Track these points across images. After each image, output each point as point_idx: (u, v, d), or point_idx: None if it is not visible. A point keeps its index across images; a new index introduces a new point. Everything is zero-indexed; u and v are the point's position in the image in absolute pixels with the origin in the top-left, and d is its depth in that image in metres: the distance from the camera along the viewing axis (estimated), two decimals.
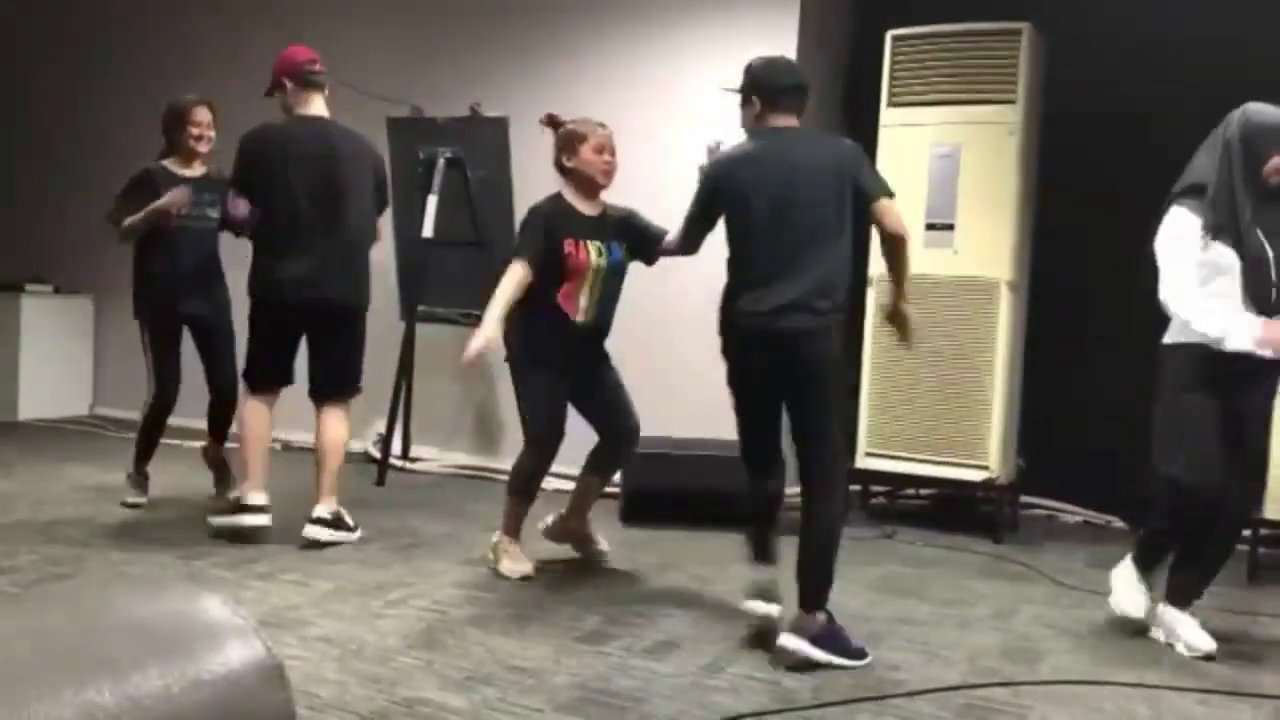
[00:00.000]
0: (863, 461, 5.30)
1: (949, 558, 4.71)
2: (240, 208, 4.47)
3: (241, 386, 4.56)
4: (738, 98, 3.59)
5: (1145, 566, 3.70)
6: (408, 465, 6.23)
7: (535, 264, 3.93)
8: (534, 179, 6.04)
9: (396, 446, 6.15)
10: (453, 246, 5.93)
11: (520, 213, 6.02)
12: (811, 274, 3.30)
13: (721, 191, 3.49)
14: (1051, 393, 5.41)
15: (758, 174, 3.40)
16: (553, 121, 4.21)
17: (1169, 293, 3.39)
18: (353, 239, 4.45)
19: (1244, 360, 3.30)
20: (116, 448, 6.41)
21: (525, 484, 4.14)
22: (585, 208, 4.08)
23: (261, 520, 4.36)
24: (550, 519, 4.37)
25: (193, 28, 7.32)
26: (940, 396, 5.11)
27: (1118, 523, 5.49)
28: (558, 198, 4.09)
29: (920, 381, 5.14)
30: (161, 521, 4.70)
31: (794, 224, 3.33)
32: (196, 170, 4.86)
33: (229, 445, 5.03)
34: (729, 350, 3.48)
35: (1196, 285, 3.36)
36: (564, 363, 4.06)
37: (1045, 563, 4.64)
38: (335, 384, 4.50)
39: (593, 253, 4.01)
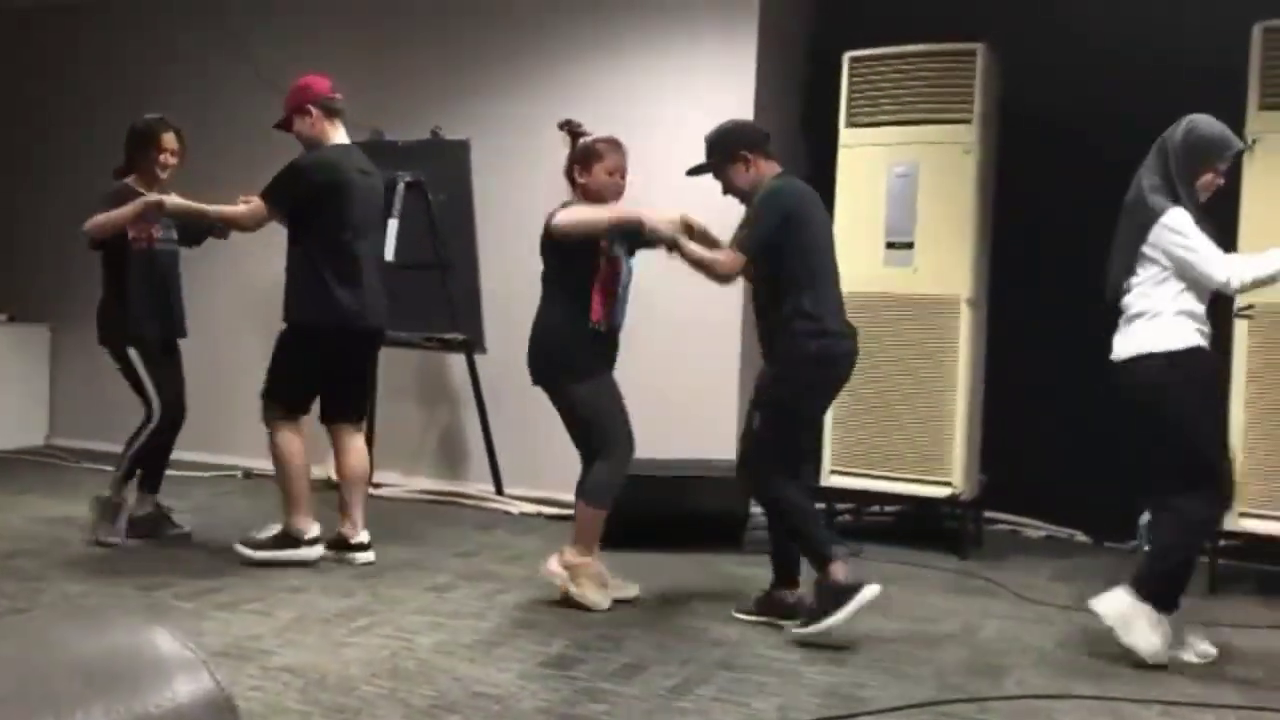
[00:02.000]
0: (827, 479, 5.31)
1: (914, 574, 4.73)
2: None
3: (269, 418, 4.48)
4: (702, 173, 3.94)
5: (1169, 604, 3.54)
6: (371, 491, 6.16)
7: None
8: (495, 202, 6.05)
9: None
10: (414, 270, 5.91)
11: (484, 235, 6.07)
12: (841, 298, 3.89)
13: (793, 221, 3.75)
14: (1013, 408, 5.45)
15: (817, 211, 3.87)
16: (572, 130, 4.13)
17: (1230, 270, 3.38)
18: (382, 266, 4.69)
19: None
20: (73, 478, 6.32)
21: (612, 494, 4.01)
22: None
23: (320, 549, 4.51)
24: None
25: (154, 55, 7.26)
26: (903, 414, 5.14)
27: (1080, 536, 5.53)
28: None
29: (883, 399, 5.17)
30: (120, 552, 4.63)
31: (834, 258, 3.89)
32: (154, 195, 4.78)
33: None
34: (825, 373, 3.84)
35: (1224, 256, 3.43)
36: (607, 367, 4.08)
37: (1009, 578, 4.67)
38: (360, 408, 4.73)
39: (622, 258, 4.06)
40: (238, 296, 6.66)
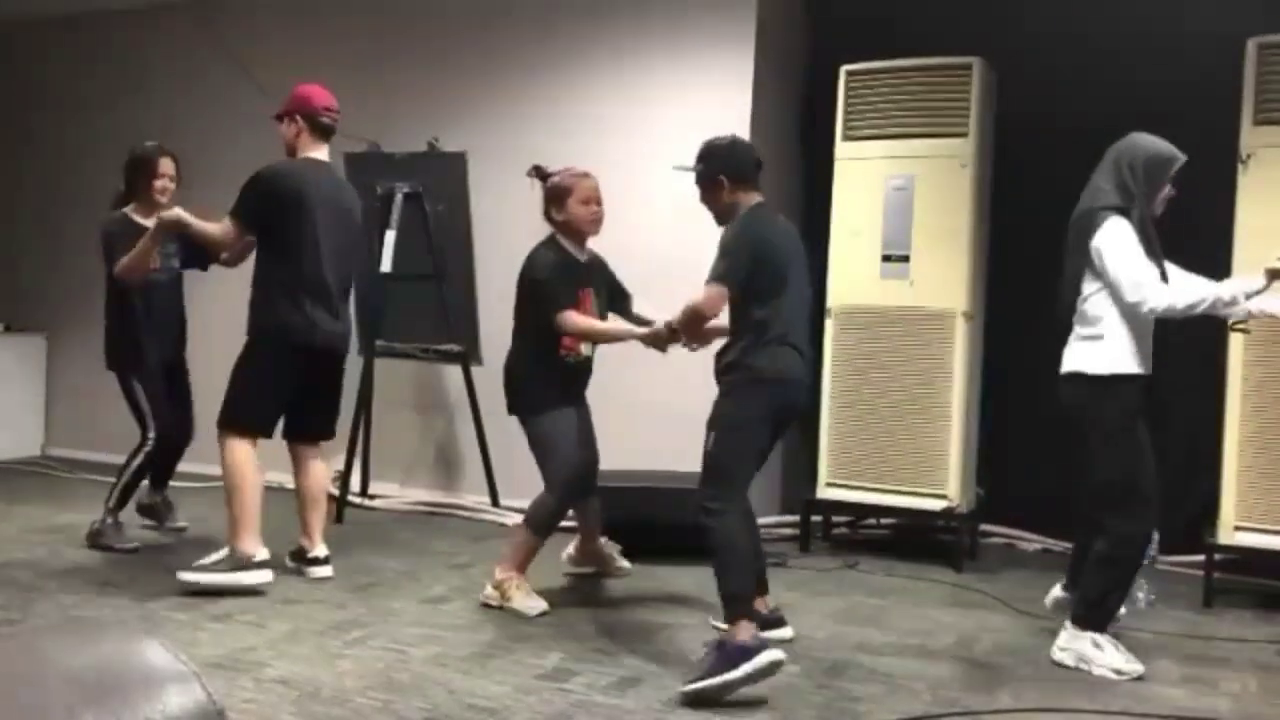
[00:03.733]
0: (824, 492, 5.31)
1: (910, 587, 4.73)
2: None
3: (224, 433, 4.35)
4: (685, 172, 3.86)
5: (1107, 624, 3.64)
6: (366, 502, 6.16)
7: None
8: (492, 213, 6.06)
9: (355, 483, 6.09)
10: (411, 281, 5.91)
11: (480, 246, 6.08)
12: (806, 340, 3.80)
13: (767, 260, 3.68)
14: (1008, 421, 5.45)
15: (790, 247, 3.79)
16: (540, 174, 4.25)
17: (1144, 293, 3.43)
18: (348, 286, 4.59)
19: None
20: (69, 489, 6.31)
21: (550, 523, 4.17)
22: (578, 254, 4.20)
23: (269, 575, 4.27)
24: (570, 549, 4.66)
25: (148, 68, 7.28)
26: (899, 427, 5.14)
27: None
28: (558, 246, 4.16)
29: (879, 412, 5.17)
30: (115, 563, 4.62)
31: (804, 297, 3.83)
32: (153, 221, 4.76)
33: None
34: (772, 404, 3.71)
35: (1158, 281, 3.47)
36: (575, 401, 4.22)
37: (1005, 591, 4.66)
38: (328, 427, 4.62)
39: (594, 300, 4.18)
40: (227, 309, 6.65)
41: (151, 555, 4.76)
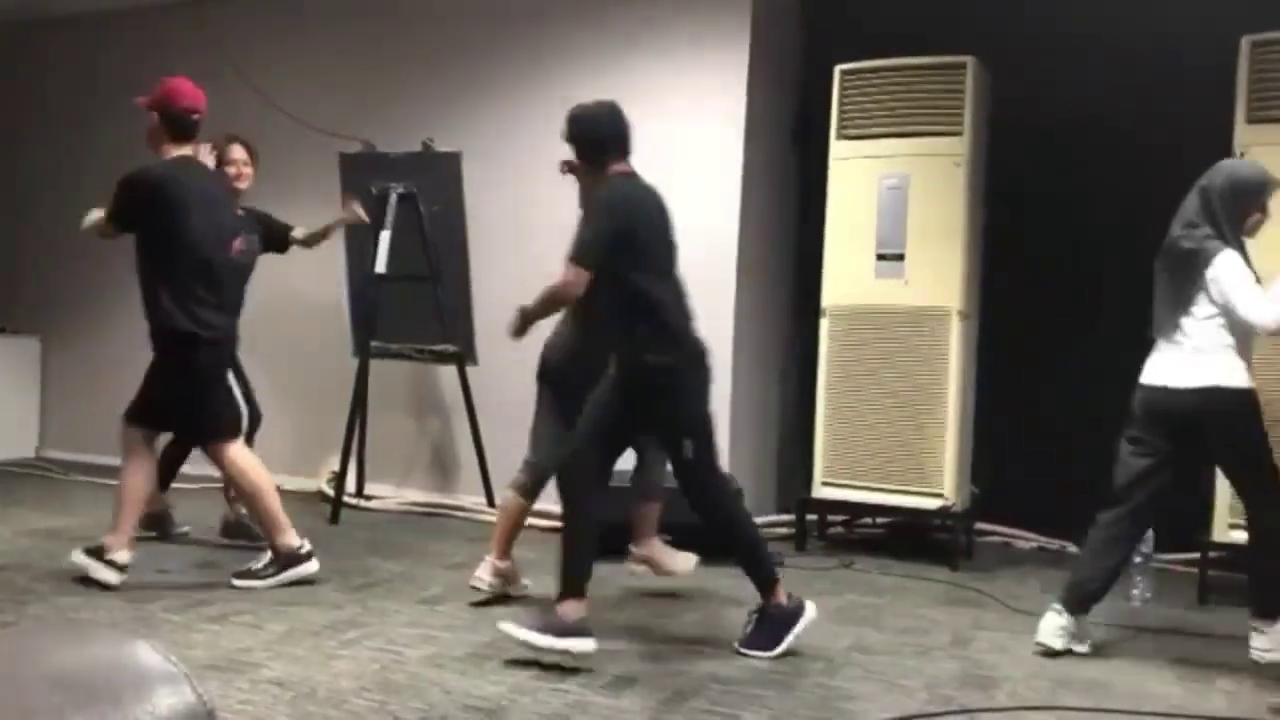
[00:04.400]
0: (819, 491, 5.32)
1: (906, 586, 4.73)
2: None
3: (216, 448, 4.33)
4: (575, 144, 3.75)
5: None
6: (362, 503, 6.16)
7: None
8: (487, 214, 6.06)
9: (351, 484, 6.09)
10: (406, 281, 5.91)
11: (476, 246, 6.08)
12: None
13: (639, 231, 3.56)
14: (1004, 420, 5.46)
15: (654, 211, 3.65)
16: (572, 169, 4.09)
17: (1270, 313, 3.54)
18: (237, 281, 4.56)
19: None
20: (63, 491, 6.30)
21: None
22: None
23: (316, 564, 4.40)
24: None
25: (145, 69, 7.24)
26: (894, 426, 5.14)
27: (1071, 548, 5.52)
28: None
29: (874, 411, 5.17)
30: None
31: (676, 266, 3.69)
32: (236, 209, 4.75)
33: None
34: (699, 381, 3.67)
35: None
36: None
37: (1000, 589, 4.67)
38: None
39: None
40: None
41: (146, 557, 4.74)
